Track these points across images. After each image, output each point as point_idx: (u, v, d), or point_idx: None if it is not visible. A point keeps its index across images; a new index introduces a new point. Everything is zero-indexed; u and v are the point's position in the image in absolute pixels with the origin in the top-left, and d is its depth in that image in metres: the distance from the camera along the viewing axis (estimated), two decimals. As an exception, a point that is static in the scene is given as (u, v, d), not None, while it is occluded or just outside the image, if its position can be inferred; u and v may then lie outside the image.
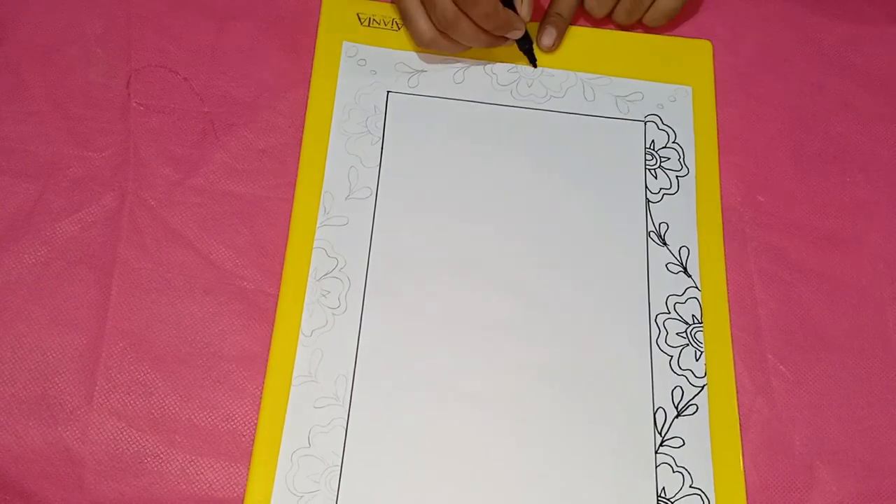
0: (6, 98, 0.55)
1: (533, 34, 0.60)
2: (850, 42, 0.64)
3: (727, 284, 0.55)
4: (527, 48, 0.60)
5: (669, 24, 0.63)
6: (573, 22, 0.62)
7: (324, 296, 0.52)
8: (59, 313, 0.51)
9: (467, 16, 0.54)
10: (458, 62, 0.60)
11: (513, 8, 0.56)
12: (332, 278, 0.53)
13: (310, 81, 0.58)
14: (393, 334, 0.52)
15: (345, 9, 0.60)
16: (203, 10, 0.59)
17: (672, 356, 0.53)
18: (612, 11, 0.61)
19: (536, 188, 0.57)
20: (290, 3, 0.60)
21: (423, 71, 0.59)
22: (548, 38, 0.60)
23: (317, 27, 0.60)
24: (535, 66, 0.60)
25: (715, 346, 0.54)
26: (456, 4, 0.53)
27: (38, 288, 0.51)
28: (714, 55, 0.62)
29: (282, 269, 0.53)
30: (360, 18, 0.60)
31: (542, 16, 0.61)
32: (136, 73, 0.57)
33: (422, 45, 0.57)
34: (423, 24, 0.55)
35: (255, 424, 0.49)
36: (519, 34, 0.57)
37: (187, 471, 0.48)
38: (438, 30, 0.55)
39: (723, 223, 0.57)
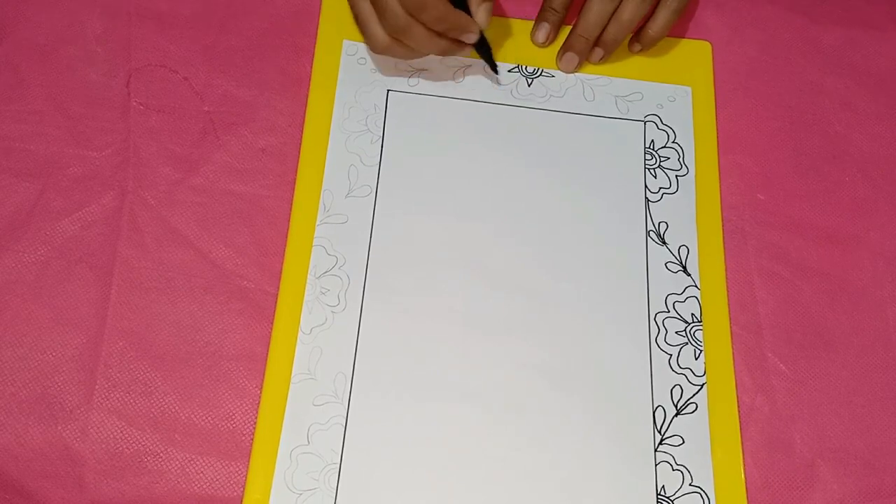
0: (6, 97, 0.55)
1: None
2: (850, 42, 0.64)
3: (727, 283, 0.56)
4: (485, 53, 0.58)
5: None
6: (568, 22, 0.61)
7: (323, 294, 0.52)
8: (59, 313, 0.50)
9: (419, 21, 0.52)
10: (459, 62, 0.60)
11: (467, 11, 0.54)
12: (331, 276, 0.53)
13: (310, 80, 0.58)
14: (392, 332, 0.52)
15: (345, 7, 0.60)
16: (203, 9, 0.59)
17: (671, 355, 0.53)
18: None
19: (536, 188, 0.57)
20: (290, 3, 0.60)
21: (423, 70, 0.59)
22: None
23: (317, 26, 0.60)
24: (496, 72, 0.59)
25: (714, 345, 0.54)
26: (406, 10, 0.51)
27: (38, 287, 0.51)
28: (714, 55, 0.62)
29: (281, 267, 0.53)
30: (359, 18, 0.60)
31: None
32: (136, 73, 0.57)
33: (377, 52, 0.55)
34: (377, 30, 0.53)
35: (255, 423, 0.49)
36: (473, 38, 0.55)
37: (187, 470, 0.48)
38: (392, 37, 0.54)
39: (723, 222, 0.57)
